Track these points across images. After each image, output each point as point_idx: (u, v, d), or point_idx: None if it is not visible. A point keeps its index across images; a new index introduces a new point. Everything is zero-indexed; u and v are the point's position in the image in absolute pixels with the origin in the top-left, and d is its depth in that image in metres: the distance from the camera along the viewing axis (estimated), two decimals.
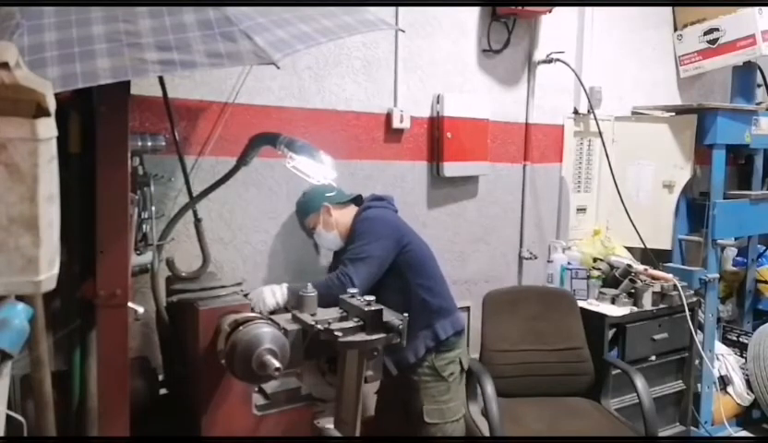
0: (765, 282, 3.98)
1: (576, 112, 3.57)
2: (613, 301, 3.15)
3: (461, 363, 2.43)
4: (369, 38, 2.83)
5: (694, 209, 3.69)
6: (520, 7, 3.10)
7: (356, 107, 2.85)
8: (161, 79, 2.10)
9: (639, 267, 3.34)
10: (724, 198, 3.47)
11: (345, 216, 2.45)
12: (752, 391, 3.57)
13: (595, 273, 3.29)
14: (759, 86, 3.81)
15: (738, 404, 3.61)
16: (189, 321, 1.87)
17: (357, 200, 2.53)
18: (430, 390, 2.35)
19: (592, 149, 3.74)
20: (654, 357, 3.18)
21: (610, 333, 3.04)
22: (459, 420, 2.42)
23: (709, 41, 3.83)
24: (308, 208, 2.49)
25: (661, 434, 3.11)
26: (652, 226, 3.60)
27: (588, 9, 3.53)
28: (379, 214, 2.40)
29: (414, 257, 2.37)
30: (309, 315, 1.88)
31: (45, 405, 1.45)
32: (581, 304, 3.06)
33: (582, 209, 3.73)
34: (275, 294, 2.20)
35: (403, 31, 2.79)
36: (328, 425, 1.93)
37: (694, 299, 3.30)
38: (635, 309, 3.12)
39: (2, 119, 1.01)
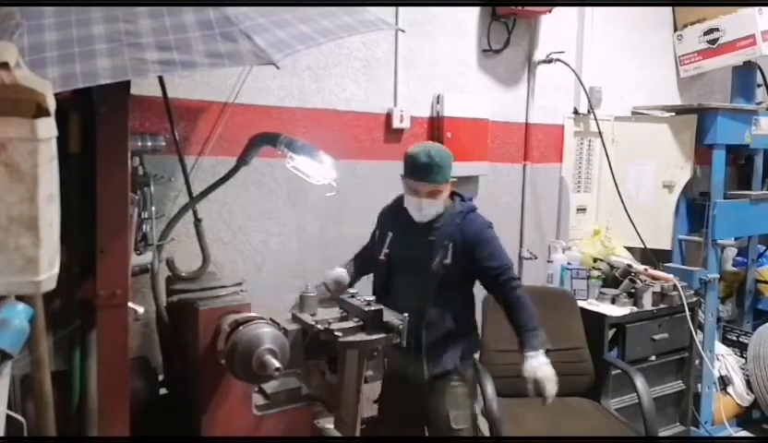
0: (765, 282, 3.98)
1: (576, 112, 3.57)
2: (613, 301, 3.15)
3: (475, 365, 2.50)
4: (369, 38, 2.83)
5: (694, 209, 3.69)
6: (520, 7, 3.10)
7: (356, 107, 2.85)
8: (161, 79, 2.10)
9: (639, 267, 3.34)
10: (724, 198, 3.47)
11: (447, 196, 2.33)
12: (752, 391, 3.57)
13: (595, 273, 3.29)
14: (759, 86, 3.80)
15: (738, 404, 3.61)
16: (189, 321, 1.87)
17: None
18: (456, 396, 2.30)
19: (592, 149, 3.74)
20: (654, 357, 3.18)
21: (610, 333, 3.04)
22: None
23: (709, 42, 3.82)
24: (447, 173, 2.27)
25: (661, 434, 3.10)
26: (652, 226, 3.60)
27: (588, 9, 3.53)
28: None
29: None
30: (309, 315, 1.88)
31: (45, 405, 1.45)
32: (580, 304, 3.05)
33: (581, 209, 3.73)
34: None
35: (403, 31, 2.79)
36: (328, 425, 1.93)
37: (694, 299, 3.30)
38: (635, 309, 3.12)
39: (2, 119, 1.01)
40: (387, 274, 2.31)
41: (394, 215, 2.37)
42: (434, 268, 2.23)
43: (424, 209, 2.24)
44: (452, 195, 2.35)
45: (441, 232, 2.26)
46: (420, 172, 2.22)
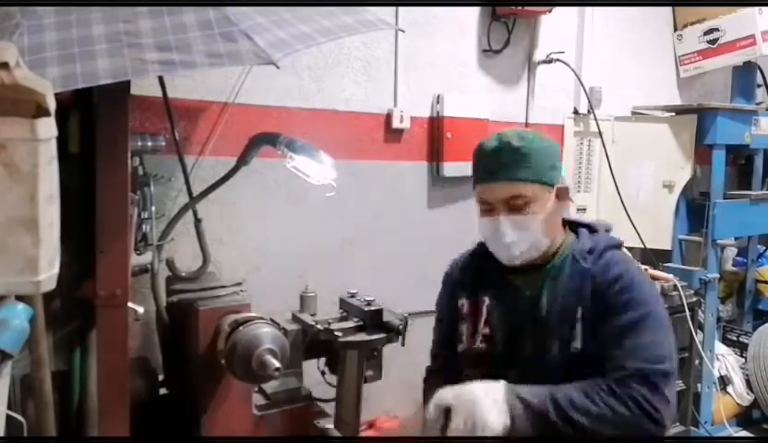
0: (765, 282, 3.98)
1: (576, 112, 3.57)
2: None
3: None
4: (369, 38, 2.83)
5: (694, 209, 3.69)
6: (520, 7, 3.10)
7: (356, 107, 2.85)
8: (161, 79, 2.10)
9: (639, 267, 3.33)
10: (724, 198, 3.47)
11: (558, 219, 1.45)
12: (752, 391, 3.57)
13: None
14: (759, 86, 3.80)
15: (738, 404, 3.61)
16: (189, 321, 1.87)
17: None
18: None
19: (592, 150, 3.73)
20: None
21: None
22: None
23: (709, 42, 3.82)
24: (544, 168, 1.37)
25: None
26: (652, 226, 3.59)
27: (588, 9, 3.53)
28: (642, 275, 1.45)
29: None
30: (309, 315, 1.88)
31: (45, 405, 1.45)
32: None
33: (582, 209, 3.72)
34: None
35: (403, 31, 2.79)
36: (328, 425, 1.93)
37: (694, 299, 3.30)
38: None
39: (2, 119, 1.01)
40: (487, 372, 1.33)
41: (480, 271, 1.50)
42: (550, 360, 1.34)
43: (507, 237, 1.35)
44: (575, 226, 1.49)
45: (557, 287, 1.37)
46: (488, 164, 1.40)
